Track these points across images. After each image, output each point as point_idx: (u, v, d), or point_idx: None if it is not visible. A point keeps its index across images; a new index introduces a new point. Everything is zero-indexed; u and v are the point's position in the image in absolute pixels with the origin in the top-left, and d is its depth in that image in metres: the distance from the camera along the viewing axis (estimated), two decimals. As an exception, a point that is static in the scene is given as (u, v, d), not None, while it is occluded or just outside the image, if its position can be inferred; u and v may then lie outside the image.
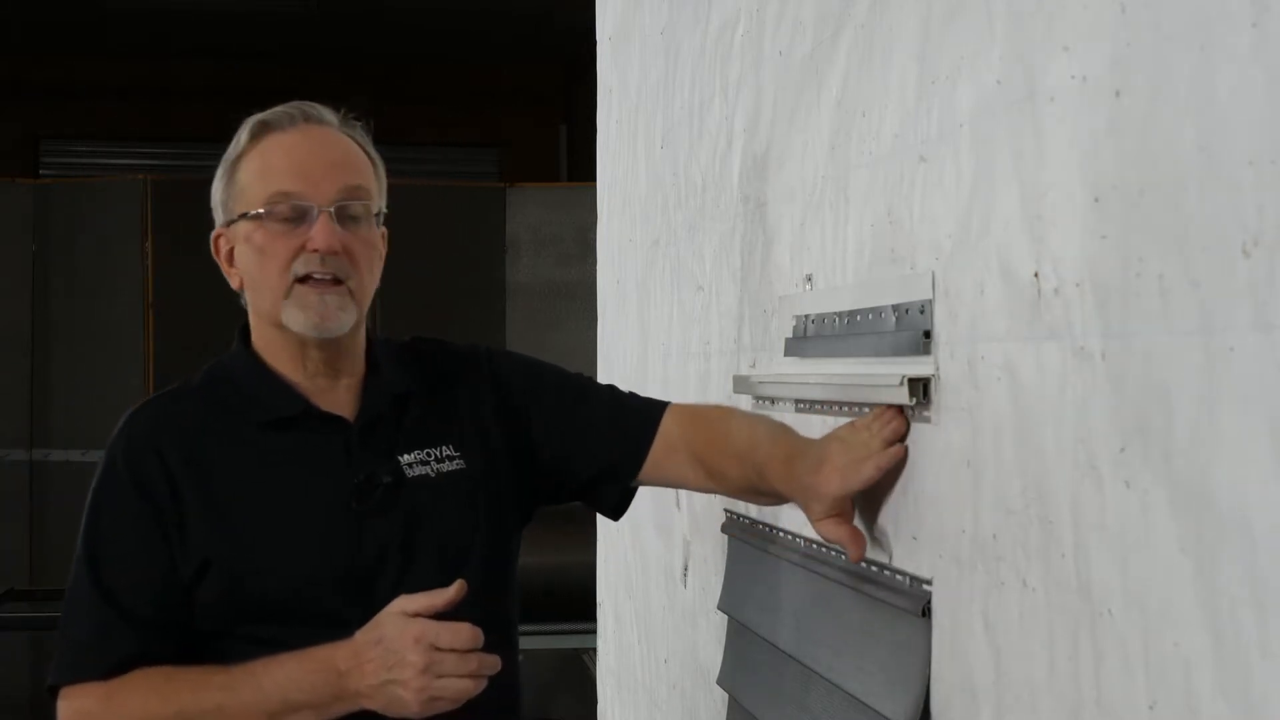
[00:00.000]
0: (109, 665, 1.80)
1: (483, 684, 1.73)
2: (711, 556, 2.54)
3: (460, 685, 1.72)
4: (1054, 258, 1.28)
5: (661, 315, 2.97)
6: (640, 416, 2.03)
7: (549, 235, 7.62)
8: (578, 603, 4.45)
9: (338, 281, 1.87)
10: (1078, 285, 1.24)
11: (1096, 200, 1.21)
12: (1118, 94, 1.17)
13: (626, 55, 3.39)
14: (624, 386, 2.15)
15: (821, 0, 1.95)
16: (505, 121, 10.33)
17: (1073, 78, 1.25)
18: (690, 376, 2.72)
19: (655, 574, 3.06)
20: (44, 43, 9.55)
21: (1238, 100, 1.01)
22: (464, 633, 1.72)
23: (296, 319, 1.87)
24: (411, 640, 1.71)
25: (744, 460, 1.89)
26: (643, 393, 2.12)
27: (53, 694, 1.84)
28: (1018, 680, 1.36)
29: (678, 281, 2.82)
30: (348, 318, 1.88)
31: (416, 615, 1.73)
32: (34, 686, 7.18)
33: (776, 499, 1.91)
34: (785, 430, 1.90)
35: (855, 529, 1.70)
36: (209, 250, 1.98)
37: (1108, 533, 1.19)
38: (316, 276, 1.86)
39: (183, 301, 7.11)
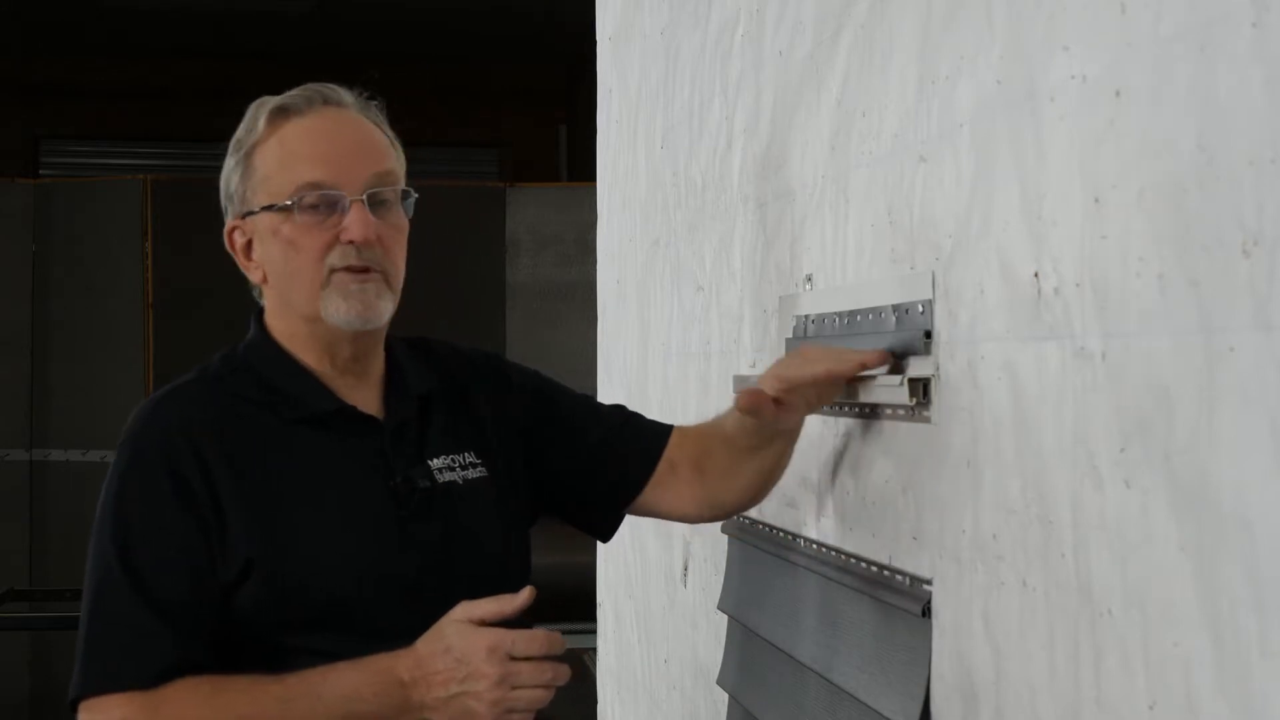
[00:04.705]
0: (150, 673, 1.67)
1: (553, 693, 1.68)
2: (711, 557, 2.54)
3: (534, 695, 1.66)
4: (1054, 258, 1.28)
5: (661, 315, 2.97)
6: (647, 437, 2.02)
7: (549, 235, 7.62)
8: (578, 603, 4.44)
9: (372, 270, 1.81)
10: (1078, 285, 1.24)
11: (1096, 200, 1.21)
12: (1118, 94, 1.17)
13: (626, 55, 3.39)
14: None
15: (821, 0, 1.95)
16: (505, 121, 10.32)
17: (1073, 78, 1.25)
18: (690, 376, 2.71)
19: (655, 574, 3.06)
20: (44, 43, 9.55)
21: (1238, 100, 1.00)
22: (539, 640, 1.66)
23: (338, 310, 1.79)
24: (485, 650, 1.64)
25: (733, 443, 1.90)
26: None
27: (73, 708, 1.69)
28: (1018, 680, 1.36)
29: (678, 281, 2.82)
30: (386, 306, 1.82)
31: (482, 622, 1.67)
32: (34, 686, 7.18)
33: (763, 470, 1.92)
34: None
35: (759, 392, 1.75)
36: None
37: (1108, 533, 1.19)
38: (354, 267, 1.79)
39: (183, 301, 7.11)
